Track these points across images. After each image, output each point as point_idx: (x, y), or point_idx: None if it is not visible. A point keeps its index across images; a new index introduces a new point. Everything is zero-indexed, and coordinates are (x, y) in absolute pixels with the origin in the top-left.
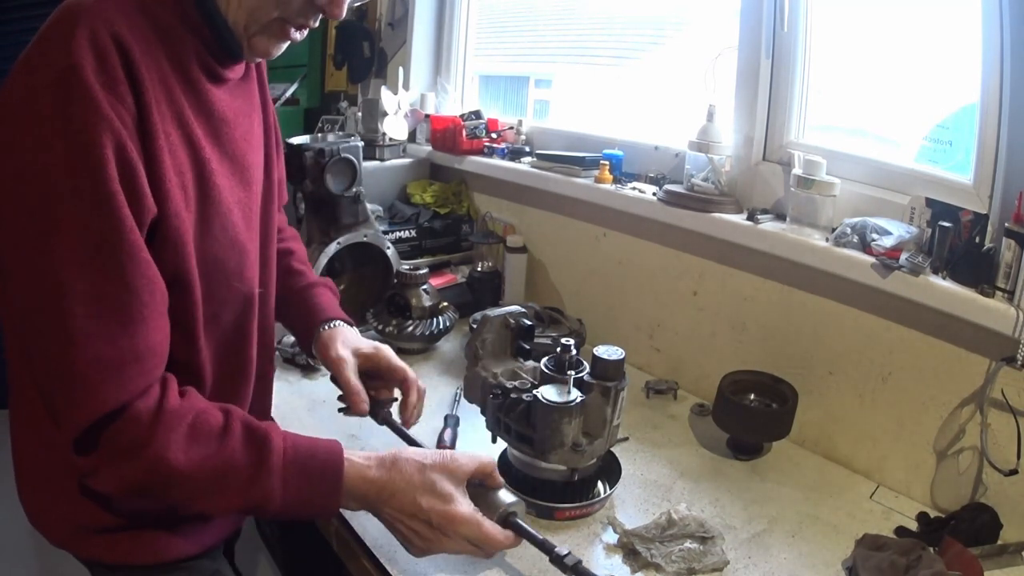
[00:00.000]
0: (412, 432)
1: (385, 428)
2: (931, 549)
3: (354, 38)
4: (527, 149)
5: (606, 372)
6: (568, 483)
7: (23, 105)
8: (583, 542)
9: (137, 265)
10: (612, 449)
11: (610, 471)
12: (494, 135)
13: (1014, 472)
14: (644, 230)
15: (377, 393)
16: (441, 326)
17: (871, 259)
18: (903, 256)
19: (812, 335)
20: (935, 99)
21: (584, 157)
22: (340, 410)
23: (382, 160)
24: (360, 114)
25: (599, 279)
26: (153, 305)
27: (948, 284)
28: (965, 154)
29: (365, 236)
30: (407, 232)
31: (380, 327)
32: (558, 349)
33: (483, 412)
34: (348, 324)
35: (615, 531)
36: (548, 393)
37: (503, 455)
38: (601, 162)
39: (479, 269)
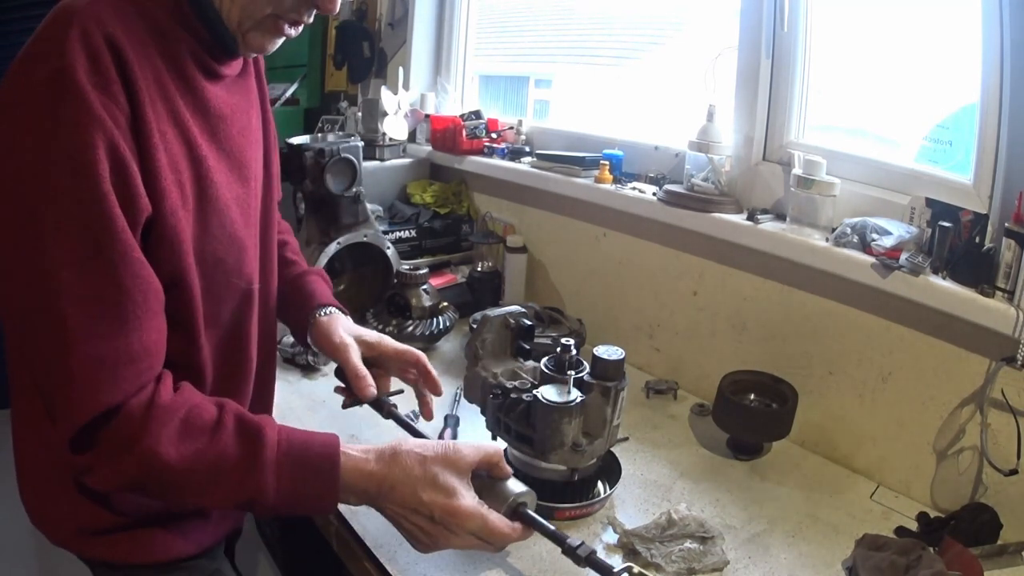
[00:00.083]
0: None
1: (387, 428)
2: (931, 549)
3: (354, 38)
4: (527, 149)
5: (606, 372)
6: (568, 483)
7: (16, 106)
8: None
9: (130, 265)
10: (612, 449)
11: (610, 471)
12: (494, 135)
13: (1014, 472)
14: (644, 230)
15: (378, 382)
16: (441, 326)
17: (871, 259)
18: (903, 256)
19: (812, 335)
20: (935, 99)
21: (584, 157)
22: (344, 405)
23: (382, 160)
24: (360, 114)
25: (599, 279)
26: (147, 305)
27: (948, 284)
28: (965, 154)
29: (365, 236)
30: (407, 232)
31: (380, 327)
32: (558, 349)
33: (483, 412)
34: (343, 312)
35: (615, 531)
36: (548, 393)
37: (503, 455)
38: (601, 162)
39: (479, 269)
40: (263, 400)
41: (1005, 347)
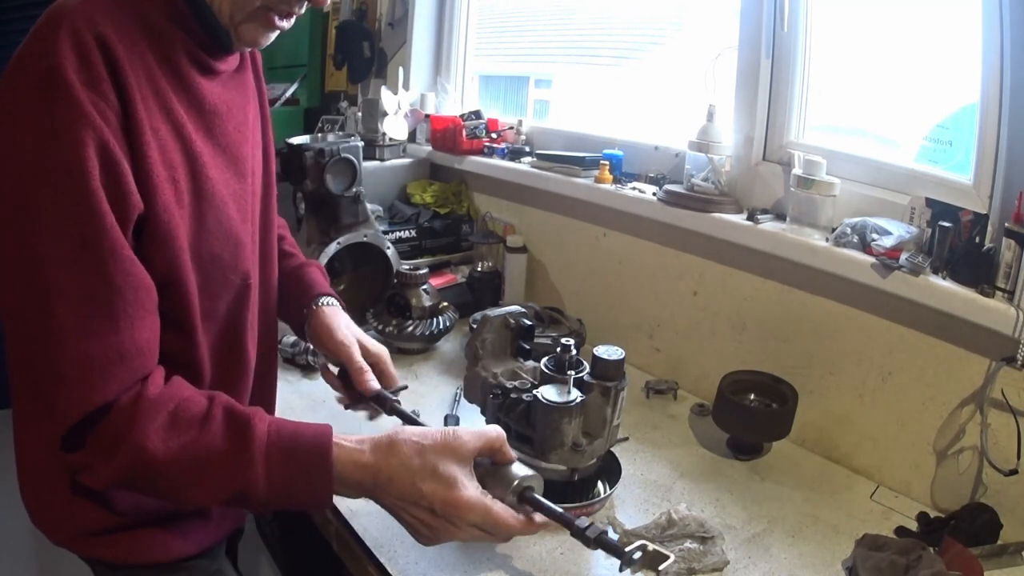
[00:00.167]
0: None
1: (389, 427)
2: (931, 549)
3: (354, 38)
4: (527, 149)
5: (606, 372)
6: (568, 483)
7: (8, 105)
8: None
9: (120, 263)
10: (612, 449)
11: (610, 471)
12: (494, 135)
13: (1014, 472)
14: (644, 230)
15: (382, 374)
16: (441, 326)
17: (871, 259)
18: (903, 256)
19: (812, 335)
20: (935, 99)
21: (584, 157)
22: (347, 405)
23: (382, 160)
24: (360, 114)
25: (599, 279)
26: (138, 303)
27: (948, 284)
28: (965, 154)
29: (365, 236)
30: (407, 232)
31: (380, 327)
32: (558, 349)
33: (483, 412)
34: (341, 305)
35: (615, 531)
36: (548, 393)
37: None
38: (601, 162)
39: (479, 269)
40: (264, 399)
41: (1005, 347)
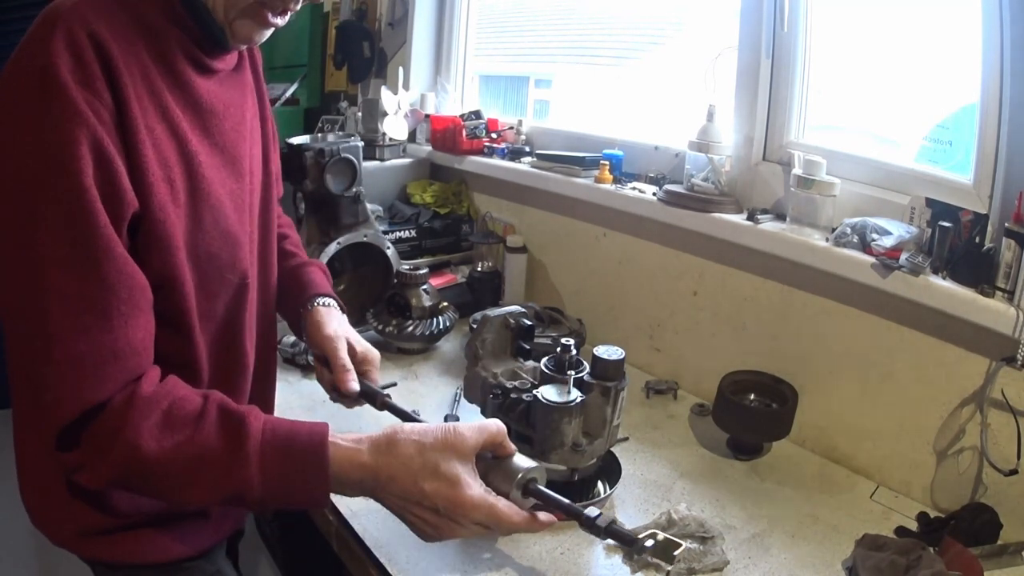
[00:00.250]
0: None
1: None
2: (931, 549)
3: (354, 38)
4: (527, 149)
5: (606, 372)
6: (568, 483)
7: (4, 105)
8: (583, 542)
9: (113, 261)
10: (612, 449)
11: (610, 471)
12: (494, 135)
13: (1014, 472)
14: (644, 230)
15: (366, 376)
16: (441, 326)
17: (871, 259)
18: (903, 256)
19: (812, 335)
20: (935, 99)
21: (584, 157)
22: (333, 398)
23: (382, 160)
24: (360, 114)
25: (599, 279)
26: (132, 301)
27: (948, 284)
28: (965, 154)
29: (365, 236)
30: (407, 232)
31: (380, 327)
32: (558, 349)
33: (483, 412)
34: (340, 306)
35: None
36: (548, 393)
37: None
38: (601, 162)
39: (479, 269)
40: (264, 399)
41: (1005, 347)
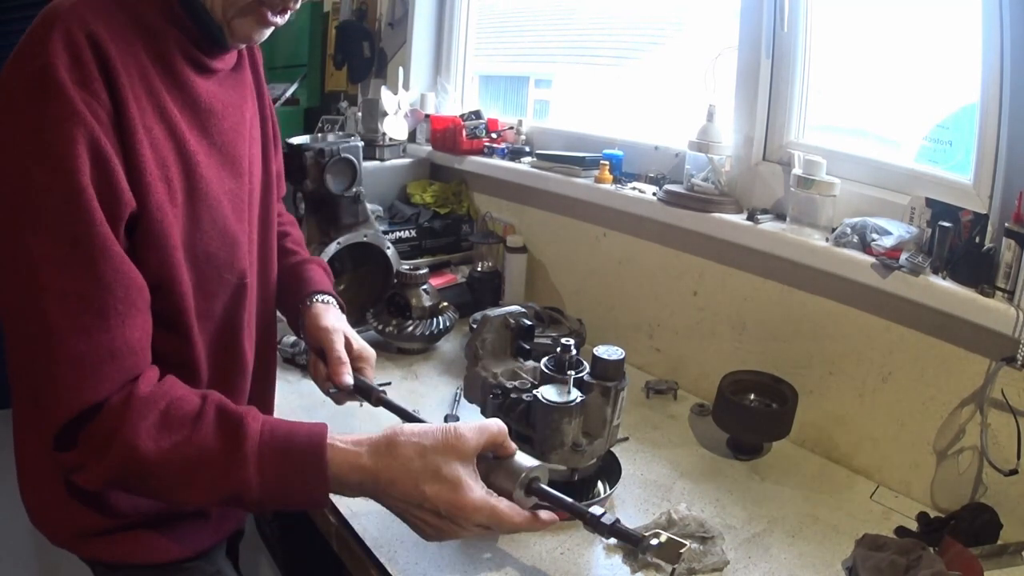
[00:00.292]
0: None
1: (387, 424)
2: (931, 549)
3: (354, 38)
4: (527, 149)
5: (606, 372)
6: (568, 483)
7: (2, 104)
8: (583, 542)
9: (110, 261)
10: (612, 449)
11: (610, 471)
12: (494, 135)
13: (1014, 472)
14: (644, 230)
15: (360, 372)
16: (441, 326)
17: (871, 259)
18: (903, 256)
19: (812, 335)
20: (935, 99)
21: (584, 157)
22: (331, 392)
23: (382, 160)
24: (360, 114)
25: (599, 279)
26: (129, 301)
27: (948, 284)
28: (965, 154)
29: (365, 236)
30: (407, 232)
31: (380, 327)
32: (558, 349)
33: (483, 412)
34: (340, 305)
35: None
36: (548, 393)
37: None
38: (601, 162)
39: (479, 269)
40: (263, 399)
41: (1005, 347)
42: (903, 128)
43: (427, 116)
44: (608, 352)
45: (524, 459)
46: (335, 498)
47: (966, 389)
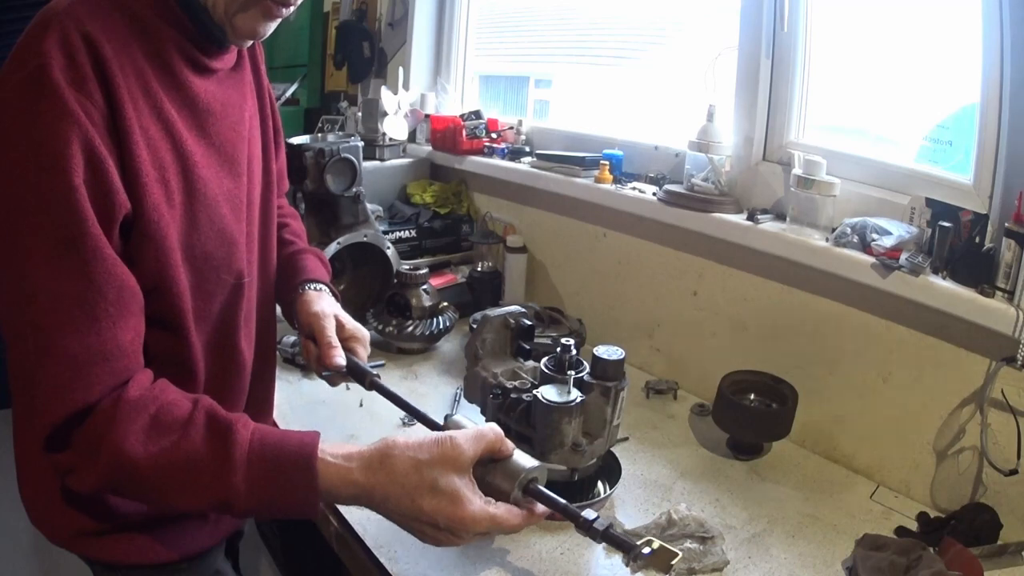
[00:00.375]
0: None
1: (389, 428)
2: (931, 549)
3: (354, 38)
4: (527, 149)
5: (606, 372)
6: (568, 483)
7: None
8: (583, 542)
9: (102, 263)
10: (612, 449)
11: (610, 471)
12: (494, 135)
13: (1014, 472)
14: (644, 230)
15: (353, 353)
16: (441, 326)
17: (871, 259)
18: (903, 256)
19: (812, 335)
20: (935, 99)
21: (584, 157)
22: (324, 375)
23: (382, 160)
24: (360, 114)
25: (599, 279)
26: (121, 303)
27: (948, 284)
28: (965, 154)
29: (365, 236)
30: (407, 232)
31: (380, 327)
32: (558, 349)
33: (483, 412)
34: (334, 293)
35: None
36: (548, 393)
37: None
38: (601, 162)
39: (479, 269)
40: (263, 398)
41: (1005, 347)
42: (903, 128)
43: (427, 116)
44: (608, 352)
45: (522, 459)
46: None
47: (966, 389)
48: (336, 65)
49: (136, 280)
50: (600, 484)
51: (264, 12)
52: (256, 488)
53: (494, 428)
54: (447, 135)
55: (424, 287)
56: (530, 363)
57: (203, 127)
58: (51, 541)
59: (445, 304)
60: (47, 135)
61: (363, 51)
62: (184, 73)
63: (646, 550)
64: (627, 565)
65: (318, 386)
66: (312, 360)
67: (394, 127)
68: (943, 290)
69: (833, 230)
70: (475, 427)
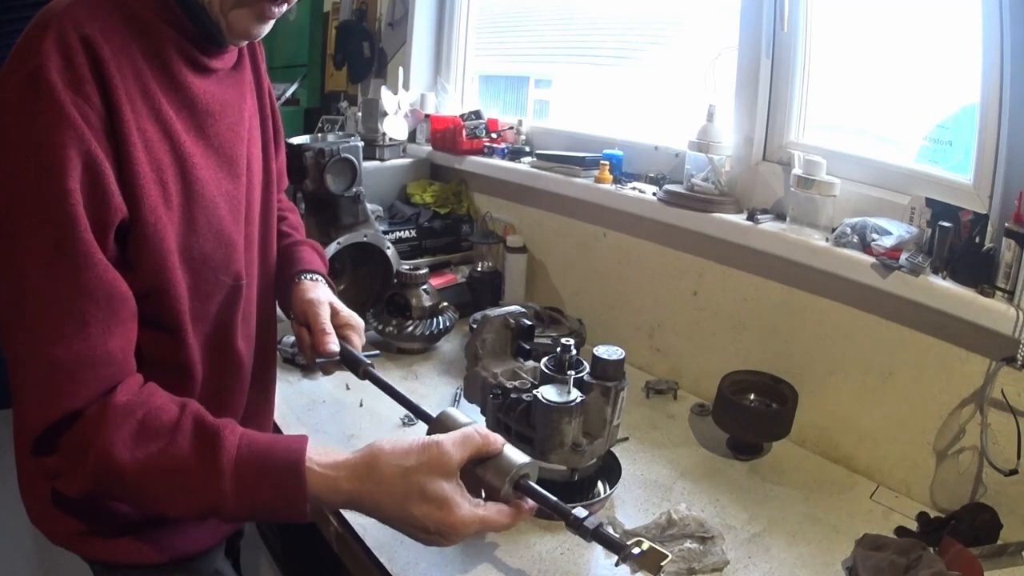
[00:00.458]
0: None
1: (388, 429)
2: (931, 549)
3: (354, 38)
4: (527, 149)
5: (606, 372)
6: (568, 483)
7: None
8: (583, 542)
9: (93, 268)
10: (612, 449)
11: (610, 471)
12: (494, 135)
13: (1014, 472)
14: (644, 230)
15: (347, 340)
16: (441, 326)
17: (871, 259)
18: (903, 256)
19: (812, 335)
20: (935, 99)
21: (584, 157)
22: (318, 362)
23: (382, 160)
24: (360, 114)
25: (599, 279)
26: (111, 310)
27: (948, 284)
28: (965, 154)
29: (365, 236)
30: (407, 232)
31: (380, 327)
32: (558, 349)
33: (483, 412)
34: (329, 284)
35: (615, 531)
36: (548, 393)
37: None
38: (601, 162)
39: (479, 269)
40: (263, 399)
41: (1005, 347)
42: (903, 128)
43: (427, 116)
44: (608, 352)
45: (514, 454)
46: None
47: (966, 389)
48: (336, 65)
49: (133, 282)
50: (600, 484)
51: (258, 11)
52: (244, 494)
53: (479, 429)
54: (447, 135)
55: (424, 287)
56: (530, 363)
57: (202, 128)
58: (51, 541)
59: (445, 304)
60: (43, 138)
61: (363, 51)
62: (183, 73)
63: (636, 550)
64: (617, 565)
65: (318, 386)
66: (306, 348)
67: (394, 127)
68: (943, 290)
69: (833, 230)
70: (461, 430)
